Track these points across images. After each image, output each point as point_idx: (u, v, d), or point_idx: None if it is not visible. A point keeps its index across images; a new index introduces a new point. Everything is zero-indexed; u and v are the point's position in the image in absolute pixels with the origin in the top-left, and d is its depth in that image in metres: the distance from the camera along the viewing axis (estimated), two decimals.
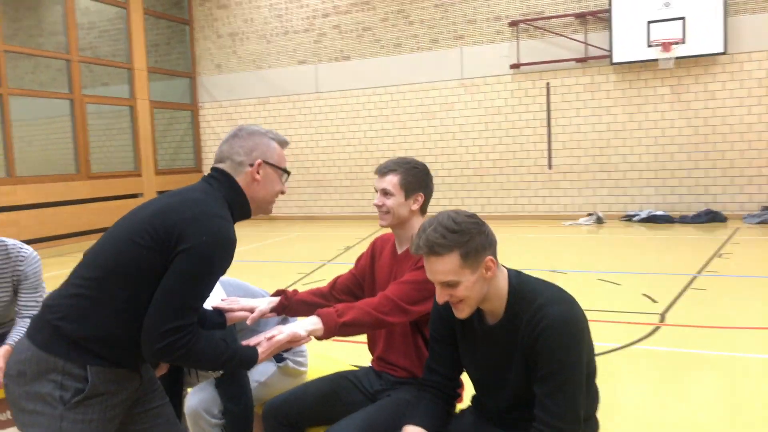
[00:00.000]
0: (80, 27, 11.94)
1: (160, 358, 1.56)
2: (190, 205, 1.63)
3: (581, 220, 10.71)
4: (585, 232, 9.98)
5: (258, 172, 1.79)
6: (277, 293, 2.17)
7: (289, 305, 2.13)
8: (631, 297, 5.57)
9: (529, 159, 11.47)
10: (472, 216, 1.67)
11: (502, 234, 9.11)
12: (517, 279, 1.72)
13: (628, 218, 10.60)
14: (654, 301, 5.36)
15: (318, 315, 1.86)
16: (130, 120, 12.29)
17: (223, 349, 1.66)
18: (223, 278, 2.42)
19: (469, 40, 11.66)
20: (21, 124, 12.08)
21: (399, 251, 2.18)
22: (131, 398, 1.70)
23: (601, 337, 4.62)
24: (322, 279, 6.77)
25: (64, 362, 1.52)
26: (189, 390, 2.40)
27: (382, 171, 2.17)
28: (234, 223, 1.82)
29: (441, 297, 1.65)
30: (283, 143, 1.91)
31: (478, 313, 1.74)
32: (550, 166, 11.34)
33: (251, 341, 1.74)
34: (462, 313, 1.67)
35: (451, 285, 1.62)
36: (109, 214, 11.49)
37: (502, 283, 1.70)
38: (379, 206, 2.15)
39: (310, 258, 8.20)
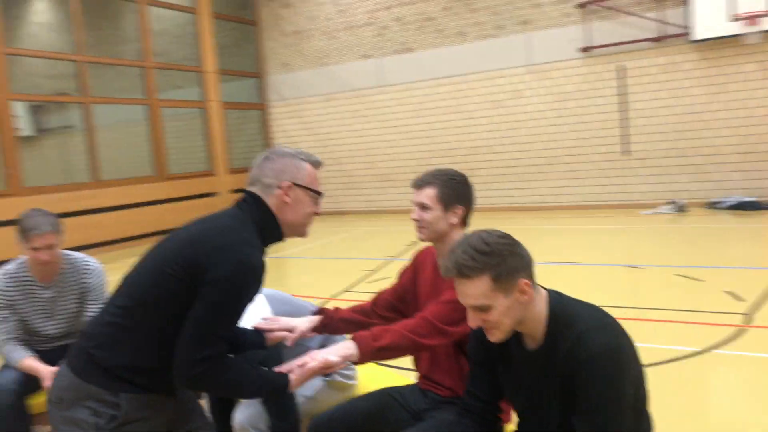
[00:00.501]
0: (155, 33, 12.44)
1: (191, 387, 1.56)
2: (218, 233, 1.62)
3: (661, 209, 10.15)
4: (664, 222, 9.45)
5: (287, 195, 1.76)
6: (318, 312, 2.14)
7: (330, 324, 2.09)
8: (714, 295, 5.20)
9: (604, 145, 10.98)
10: (505, 236, 1.56)
11: (575, 225, 8.86)
12: (557, 302, 1.59)
13: (713, 206, 9.95)
14: (740, 299, 4.98)
15: (354, 339, 1.81)
16: (203, 121, 12.70)
17: (254, 378, 1.64)
18: (267, 292, 2.42)
19: (536, 25, 11.26)
20: (103, 130, 12.77)
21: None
22: (167, 422, 1.71)
23: (678, 340, 4.37)
24: (388, 277, 6.74)
25: (98, 389, 1.54)
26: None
27: (419, 184, 2.08)
28: (267, 245, 1.79)
29: (473, 321, 1.56)
30: (316, 164, 1.87)
31: (517, 337, 1.63)
32: (626, 152, 10.81)
33: (283, 368, 1.71)
34: (494, 337, 1.57)
35: (483, 309, 1.52)
36: (186, 214, 11.85)
37: (541, 306, 1.58)
38: (416, 221, 2.07)
39: (376, 254, 8.19)
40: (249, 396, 1.66)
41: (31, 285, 2.84)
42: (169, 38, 13.00)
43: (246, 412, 2.24)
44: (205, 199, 12.45)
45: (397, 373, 2.71)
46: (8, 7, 12.17)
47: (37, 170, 13.23)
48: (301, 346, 2.36)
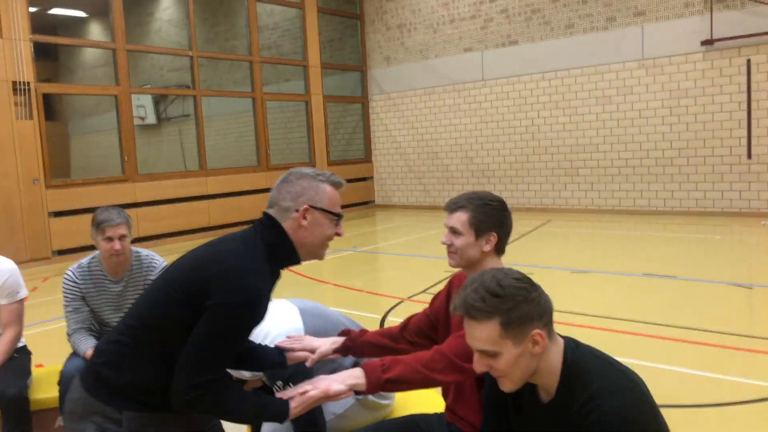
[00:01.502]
0: (266, 28, 12.95)
1: (187, 411, 1.57)
2: (223, 259, 1.61)
3: None
4: None
5: (305, 218, 1.72)
6: (342, 333, 2.08)
7: (354, 347, 2.04)
8: None
9: (723, 147, 10.04)
10: (522, 279, 1.42)
11: (684, 233, 8.12)
12: (573, 355, 1.43)
13: None
14: None
15: (363, 368, 1.74)
16: (306, 114, 13.06)
17: (251, 405, 1.62)
18: (302, 305, 2.40)
19: (652, 16, 10.47)
20: (213, 121, 13.50)
21: None
22: None
23: None
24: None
25: (104, 406, 1.59)
26: None
27: (451, 207, 1.96)
28: (281, 268, 1.77)
29: (479, 366, 1.44)
30: (337, 185, 1.81)
31: (531, 386, 1.48)
32: (749, 155, 9.82)
33: (284, 394, 1.68)
34: (504, 386, 1.44)
35: (491, 355, 1.40)
36: None
37: (555, 357, 1.44)
38: (447, 245, 1.96)
39: None
40: (247, 422, 1.65)
41: (102, 279, 3.02)
42: (278, 33, 13.47)
43: (272, 426, 2.25)
44: None
45: (437, 396, 2.60)
46: (140, 4, 13.15)
47: (154, 157, 14.27)
48: (334, 362, 2.32)
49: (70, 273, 3.02)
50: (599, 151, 11.27)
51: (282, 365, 1.95)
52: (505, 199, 2.06)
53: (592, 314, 5.08)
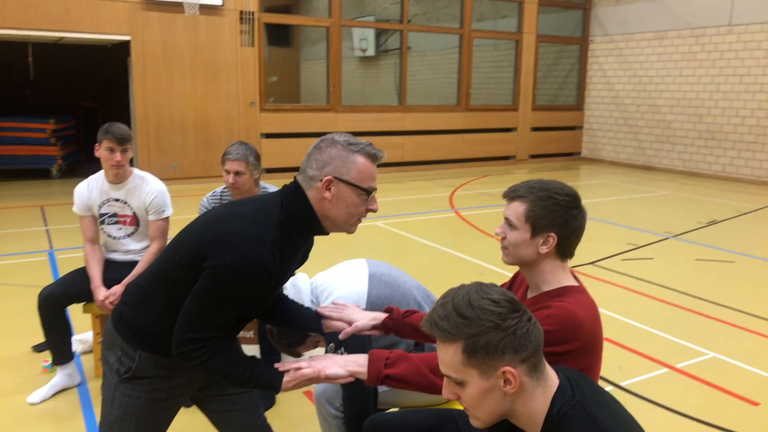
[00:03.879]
0: None
1: (180, 362, 1.59)
2: (230, 221, 1.55)
3: None
4: None
5: (328, 189, 1.58)
6: (387, 310, 1.93)
7: (395, 327, 1.87)
8: None
9: None
10: (499, 302, 1.14)
11: None
12: (563, 408, 1.12)
13: None
14: None
15: (369, 356, 1.59)
16: (515, 54, 12.40)
17: (242, 371, 1.58)
18: (376, 270, 2.27)
19: None
20: (424, 56, 13.52)
21: (529, 295, 1.67)
22: (193, 384, 1.77)
23: None
24: (650, 258, 5.84)
25: (123, 342, 1.67)
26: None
27: (510, 195, 1.64)
28: (305, 237, 1.66)
29: (446, 392, 1.21)
30: (373, 157, 1.61)
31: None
32: None
33: (281, 367, 1.61)
34: (473, 421, 1.20)
35: (457, 383, 1.17)
36: (483, 146, 12.13)
37: (539, 403, 1.15)
38: (500, 238, 1.66)
39: (656, 227, 7.10)
40: (239, 386, 1.62)
41: None
42: None
43: (324, 386, 2.22)
44: (503, 134, 12.39)
45: None
46: None
47: (371, 89, 14.83)
48: (387, 339, 2.20)
49: (204, 200, 3.26)
50: None
51: (317, 331, 1.88)
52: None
53: None
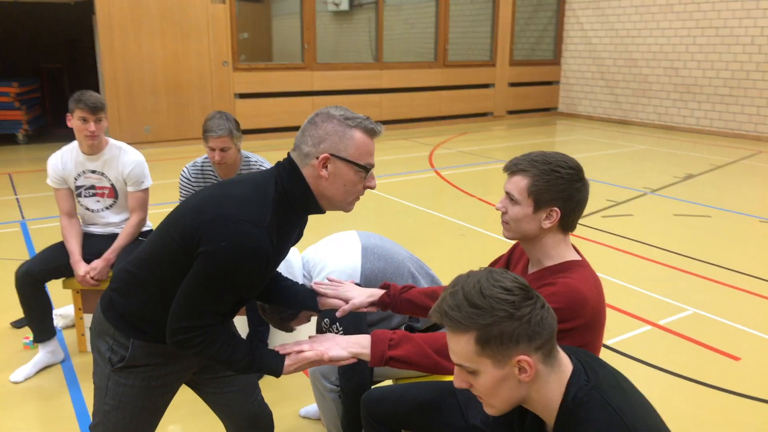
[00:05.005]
0: None
1: (177, 350, 1.54)
2: (223, 204, 1.47)
3: None
4: None
5: (325, 167, 1.51)
6: (383, 286, 1.90)
7: (392, 303, 1.85)
8: None
9: None
10: (513, 290, 1.11)
11: None
12: (578, 394, 1.11)
13: None
14: None
15: (371, 337, 1.56)
16: (492, 7, 12.18)
17: (241, 357, 1.54)
18: (369, 242, 2.23)
19: None
20: (399, 10, 13.19)
21: (530, 270, 1.65)
22: (188, 369, 1.73)
23: None
24: (629, 214, 5.90)
25: (114, 330, 1.61)
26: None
27: (511, 168, 1.60)
28: (301, 216, 1.60)
29: (458, 381, 1.19)
30: (371, 132, 1.54)
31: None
32: None
33: (280, 349, 1.58)
34: (488, 410, 1.19)
35: (470, 372, 1.15)
36: (460, 103, 12.01)
37: (553, 389, 1.14)
38: (501, 212, 1.63)
39: (634, 183, 7.17)
40: (240, 372, 1.58)
41: (213, 179, 3.12)
42: None
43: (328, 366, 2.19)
44: (481, 90, 12.27)
45: None
46: None
47: (344, 45, 14.49)
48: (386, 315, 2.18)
49: (185, 170, 3.16)
50: None
51: (313, 309, 1.84)
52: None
53: None
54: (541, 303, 1.12)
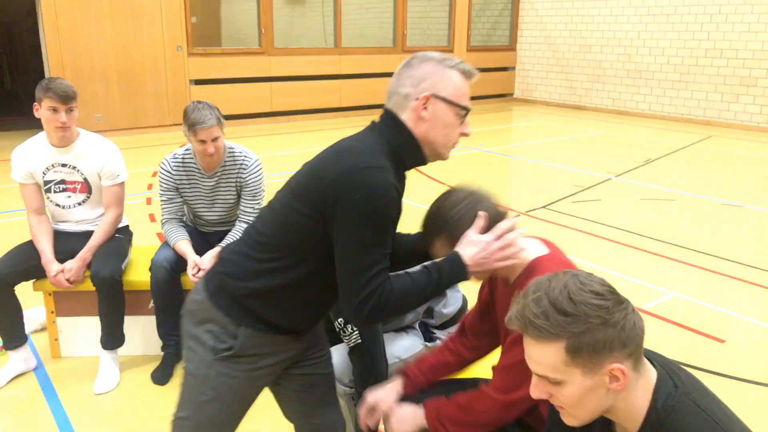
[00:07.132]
0: None
1: (369, 326, 1.55)
2: (338, 160, 1.41)
3: None
4: None
5: (425, 108, 1.46)
6: (399, 371, 1.83)
7: (416, 384, 1.80)
8: None
9: None
10: (604, 295, 1.04)
11: None
12: (668, 401, 1.06)
13: None
14: None
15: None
16: None
17: (426, 281, 1.46)
18: None
19: None
20: None
21: (510, 281, 1.60)
22: (287, 361, 1.65)
23: None
24: (597, 199, 5.99)
25: (223, 316, 1.51)
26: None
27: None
28: (406, 169, 1.54)
29: (536, 391, 1.12)
30: (468, 74, 1.51)
31: (606, 420, 1.15)
32: None
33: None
34: (567, 421, 1.12)
35: (553, 383, 1.08)
36: None
37: (640, 397, 1.08)
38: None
39: (598, 168, 7.29)
40: (432, 297, 1.48)
41: (195, 171, 2.96)
42: None
43: (333, 360, 2.10)
44: None
45: None
46: None
47: (297, 30, 14.15)
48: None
49: (165, 162, 2.99)
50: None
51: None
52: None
53: (747, 263, 4.39)
54: (632, 307, 1.06)
